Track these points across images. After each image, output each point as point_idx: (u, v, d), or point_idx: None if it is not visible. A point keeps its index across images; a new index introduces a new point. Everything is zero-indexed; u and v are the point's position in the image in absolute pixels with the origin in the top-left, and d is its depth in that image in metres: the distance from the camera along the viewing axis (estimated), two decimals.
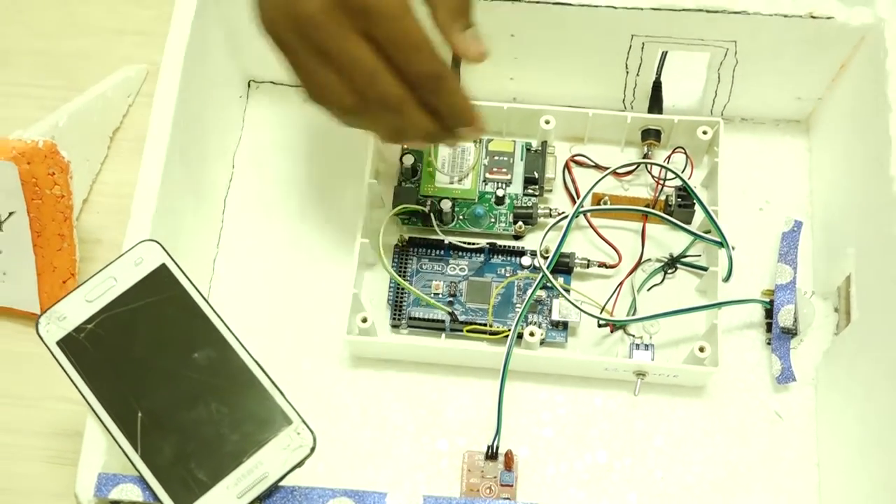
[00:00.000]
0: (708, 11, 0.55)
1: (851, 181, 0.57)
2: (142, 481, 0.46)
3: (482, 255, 0.61)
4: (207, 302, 0.48)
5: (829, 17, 0.55)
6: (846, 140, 0.59)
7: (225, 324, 0.48)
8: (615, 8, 0.55)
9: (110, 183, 0.66)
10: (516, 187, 0.62)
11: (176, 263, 0.49)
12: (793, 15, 0.55)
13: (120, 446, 0.46)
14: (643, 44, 0.58)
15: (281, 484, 0.45)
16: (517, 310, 0.59)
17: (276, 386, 0.47)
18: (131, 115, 0.68)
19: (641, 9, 0.55)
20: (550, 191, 0.62)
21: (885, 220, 0.50)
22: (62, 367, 0.47)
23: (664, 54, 0.59)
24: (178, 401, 0.46)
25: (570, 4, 0.56)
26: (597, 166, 0.63)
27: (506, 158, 0.62)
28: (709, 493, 0.56)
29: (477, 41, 0.50)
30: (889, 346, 0.49)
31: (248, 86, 0.66)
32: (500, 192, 0.61)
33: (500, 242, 0.61)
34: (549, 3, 0.56)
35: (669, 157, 0.62)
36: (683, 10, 0.55)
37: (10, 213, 0.59)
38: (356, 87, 0.46)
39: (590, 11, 0.56)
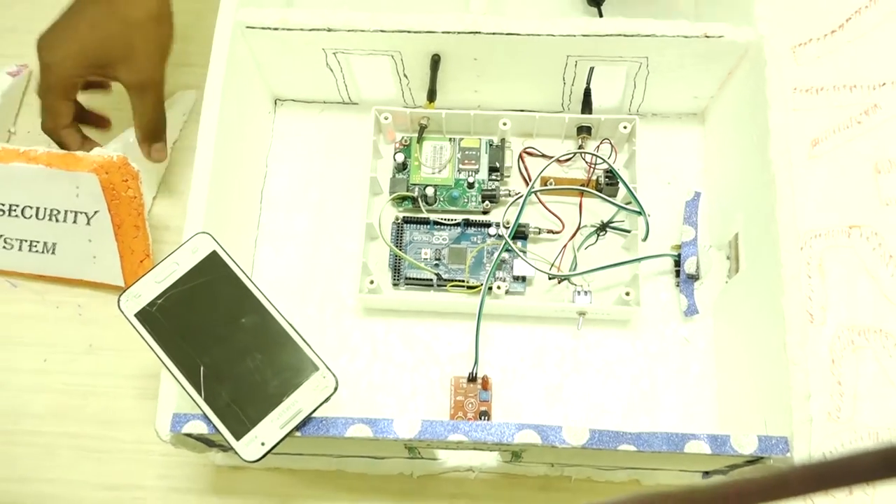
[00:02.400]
0: (626, 35, 0.52)
1: (737, 161, 0.55)
2: (206, 419, 0.44)
3: (459, 228, 0.58)
4: (250, 279, 0.46)
5: (720, 36, 0.52)
6: (733, 129, 0.56)
7: (264, 295, 0.45)
8: (554, 36, 0.52)
9: (173, 182, 0.64)
10: (483, 174, 0.59)
11: (224, 250, 0.46)
12: (691, 35, 0.51)
13: (188, 393, 0.44)
14: (576, 62, 0.55)
15: (312, 416, 0.44)
16: (487, 269, 0.56)
17: (305, 342, 0.45)
18: (186, 129, 0.65)
19: (574, 35, 0.52)
20: (509, 176, 0.59)
21: (765, 193, 0.48)
22: (139, 334, 0.45)
23: (591, 69, 0.56)
24: (231, 356, 0.44)
25: (519, 35, 0.52)
26: (543, 156, 0.59)
27: (474, 152, 0.59)
28: (637, 400, 0.55)
29: (160, 152, 0.58)
30: (765, 286, 0.47)
31: (275, 103, 0.63)
32: (470, 179, 0.59)
33: (472, 217, 0.58)
34: (503, 34, 0.52)
35: (598, 146, 0.59)
36: (607, 34, 0.52)
37: (96, 212, 0.56)
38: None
39: (536, 39, 0.52)
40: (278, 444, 0.43)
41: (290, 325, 0.45)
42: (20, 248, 0.58)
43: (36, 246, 0.58)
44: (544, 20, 0.52)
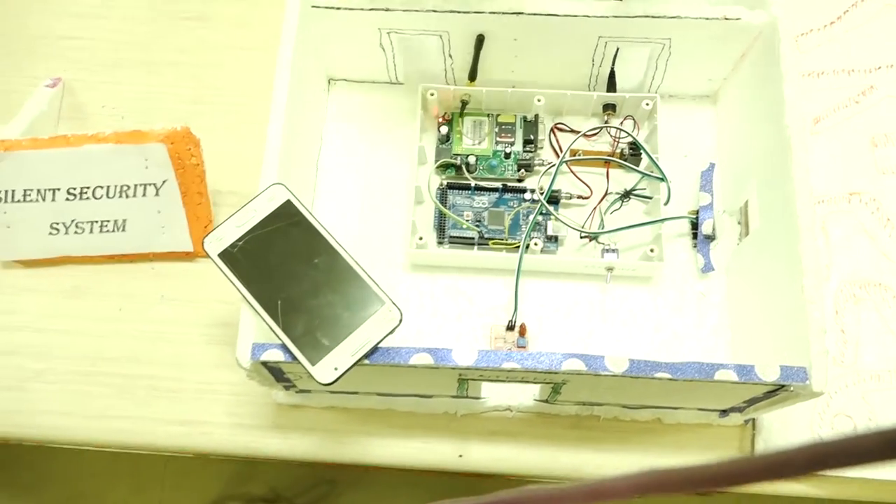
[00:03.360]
0: (652, 17, 0.54)
1: (750, 134, 0.56)
2: (283, 347, 0.45)
3: (497, 193, 0.59)
4: (321, 224, 0.47)
5: (737, 18, 0.53)
6: (745, 106, 0.58)
7: (335, 238, 0.47)
8: (588, 17, 0.54)
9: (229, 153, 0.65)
10: (518, 147, 0.61)
11: (297, 198, 0.47)
12: (712, 17, 0.53)
13: (266, 323, 0.45)
14: (606, 43, 0.56)
15: (380, 346, 0.45)
16: (523, 229, 0.58)
17: (372, 279, 0.46)
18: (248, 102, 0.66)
19: (606, 17, 0.54)
20: (542, 148, 0.60)
21: (781, 156, 0.49)
22: (223, 272, 0.46)
23: (617, 49, 0.57)
24: (305, 292, 0.45)
25: (557, 15, 0.54)
26: (572, 131, 0.61)
27: (510, 127, 0.61)
28: (658, 349, 0.56)
29: None
30: (782, 237, 0.49)
31: (329, 82, 0.64)
32: (507, 150, 0.60)
33: (509, 184, 0.59)
34: (543, 14, 0.54)
35: (622, 122, 0.61)
36: (636, 16, 0.54)
37: (164, 181, 0.57)
38: None
39: (572, 20, 0.54)
40: (350, 369, 0.44)
41: (358, 264, 0.46)
42: (91, 231, 0.58)
43: (107, 225, 0.58)
44: (580, 3, 0.54)
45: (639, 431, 0.56)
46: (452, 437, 0.56)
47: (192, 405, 0.57)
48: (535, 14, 0.54)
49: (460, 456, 0.55)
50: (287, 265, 0.46)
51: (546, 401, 0.54)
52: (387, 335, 0.45)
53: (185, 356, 0.58)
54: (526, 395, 0.55)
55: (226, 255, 0.46)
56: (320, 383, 0.44)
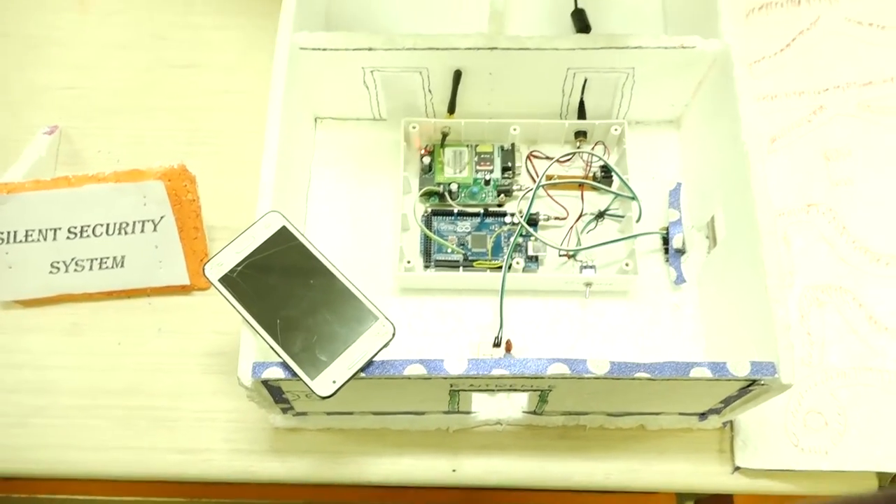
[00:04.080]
0: (617, 48, 0.58)
1: (711, 153, 0.60)
2: (283, 365, 0.47)
3: (479, 218, 0.62)
4: (316, 247, 0.50)
5: (693, 47, 0.58)
6: (705, 128, 0.62)
7: (329, 260, 0.49)
8: (558, 49, 0.58)
9: (222, 190, 0.67)
10: (497, 173, 0.64)
11: (292, 224, 0.50)
12: (670, 47, 0.58)
13: (267, 342, 0.47)
14: (574, 73, 0.60)
15: (374, 359, 0.47)
16: (505, 251, 0.61)
17: (365, 297, 0.48)
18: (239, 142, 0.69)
19: (574, 49, 0.58)
20: (519, 175, 0.64)
21: (740, 169, 0.53)
22: (223, 296, 0.48)
23: (585, 80, 0.61)
24: (303, 311, 0.48)
25: (529, 49, 0.58)
26: (547, 157, 0.64)
27: (489, 155, 0.64)
28: (636, 358, 0.58)
29: None
30: (745, 245, 0.52)
31: (315, 121, 0.68)
32: (487, 178, 0.64)
33: (490, 209, 0.62)
34: (516, 49, 0.58)
35: (593, 147, 0.65)
36: (601, 48, 0.58)
37: (162, 217, 0.60)
38: None
39: (542, 53, 0.58)
40: (347, 381, 0.46)
41: (352, 283, 0.49)
42: (90, 268, 0.60)
43: (106, 262, 0.60)
44: (549, 37, 0.58)
45: (624, 439, 0.58)
46: (446, 453, 0.58)
47: (190, 433, 0.58)
48: (508, 49, 0.58)
49: (454, 470, 0.57)
50: (284, 287, 0.49)
51: (534, 412, 0.56)
52: (381, 348, 0.47)
53: (182, 386, 0.60)
54: (514, 409, 0.57)
55: (226, 280, 0.49)
56: (319, 396, 0.46)
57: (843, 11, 0.65)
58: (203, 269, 0.49)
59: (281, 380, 0.48)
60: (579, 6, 0.71)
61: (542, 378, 0.47)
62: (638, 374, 0.47)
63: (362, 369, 0.47)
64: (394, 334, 0.47)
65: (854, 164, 0.61)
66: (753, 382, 0.48)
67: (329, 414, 0.57)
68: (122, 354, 0.61)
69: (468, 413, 0.57)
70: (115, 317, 0.62)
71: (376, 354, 0.47)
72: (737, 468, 0.56)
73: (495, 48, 0.58)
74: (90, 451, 0.58)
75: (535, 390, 0.51)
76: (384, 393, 0.51)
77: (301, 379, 0.46)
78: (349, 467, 0.57)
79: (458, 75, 0.61)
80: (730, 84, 0.56)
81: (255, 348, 0.48)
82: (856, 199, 0.59)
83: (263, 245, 0.50)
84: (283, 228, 0.50)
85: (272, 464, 0.57)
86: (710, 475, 0.57)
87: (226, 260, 0.49)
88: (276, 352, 0.47)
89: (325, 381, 0.46)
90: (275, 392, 0.50)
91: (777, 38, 0.67)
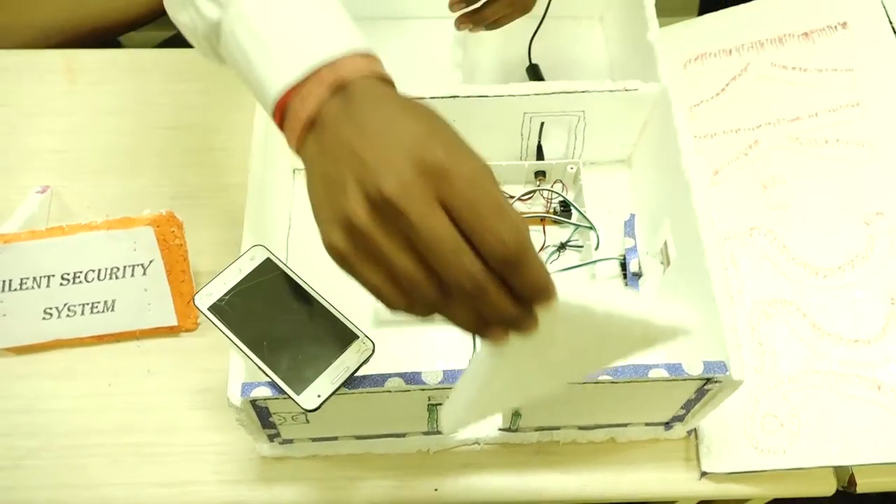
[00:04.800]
0: (567, 93, 0.65)
1: (658, 185, 0.66)
2: (270, 384, 0.50)
3: None
4: (298, 276, 0.53)
5: (635, 89, 0.65)
6: (652, 163, 0.68)
7: (311, 287, 0.53)
8: (514, 96, 0.64)
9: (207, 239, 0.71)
10: None
11: (276, 256, 0.54)
12: (615, 90, 0.64)
13: (255, 363, 0.50)
14: (531, 118, 0.67)
15: (356, 374, 0.50)
16: None
17: (346, 318, 0.52)
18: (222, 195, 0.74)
19: (529, 95, 0.64)
20: None
21: (685, 196, 0.59)
22: (213, 323, 0.51)
23: (542, 124, 0.68)
24: (288, 333, 0.51)
25: (487, 96, 0.64)
26: (510, 196, 0.70)
27: None
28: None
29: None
30: (693, 261, 0.57)
31: (293, 172, 0.72)
32: None
33: None
34: (475, 96, 0.64)
35: (553, 185, 0.71)
36: (553, 93, 0.64)
37: (151, 261, 0.63)
38: (438, 270, 0.32)
39: (500, 100, 0.64)
40: (332, 395, 0.49)
41: (333, 306, 0.52)
42: (82, 313, 0.63)
43: (97, 307, 0.64)
44: (506, 85, 0.64)
45: (595, 452, 0.61)
46: (427, 474, 0.60)
47: (179, 467, 0.60)
48: (468, 96, 0.64)
49: (436, 490, 0.60)
50: (270, 312, 0.52)
51: (509, 429, 0.59)
52: (362, 363, 0.50)
53: (171, 422, 0.62)
54: (491, 427, 0.61)
55: (215, 308, 0.52)
56: (305, 409, 0.49)
57: (769, 58, 0.73)
58: (193, 300, 0.52)
59: (269, 398, 0.51)
60: (533, 62, 0.78)
61: None
62: (601, 378, 0.51)
63: (345, 383, 0.50)
64: (373, 350, 0.51)
65: (788, 189, 0.67)
66: (708, 381, 0.52)
67: (314, 441, 0.59)
68: (112, 395, 0.63)
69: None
70: (105, 360, 0.65)
71: (358, 369, 0.50)
72: (703, 474, 0.60)
73: (457, 96, 0.64)
74: (82, 489, 0.60)
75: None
76: (366, 411, 0.54)
77: (288, 395, 0.49)
78: (335, 492, 0.60)
79: None
80: (669, 121, 0.62)
81: (244, 370, 0.52)
82: (792, 221, 0.65)
83: (249, 276, 0.53)
84: (268, 260, 0.54)
85: (260, 492, 0.60)
86: (678, 482, 0.60)
87: (214, 290, 0.53)
88: (263, 371, 0.50)
89: (310, 396, 0.49)
90: (262, 414, 0.53)
91: (713, 84, 0.74)
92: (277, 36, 0.39)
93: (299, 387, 0.50)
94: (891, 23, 0.69)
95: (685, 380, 0.51)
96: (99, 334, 0.64)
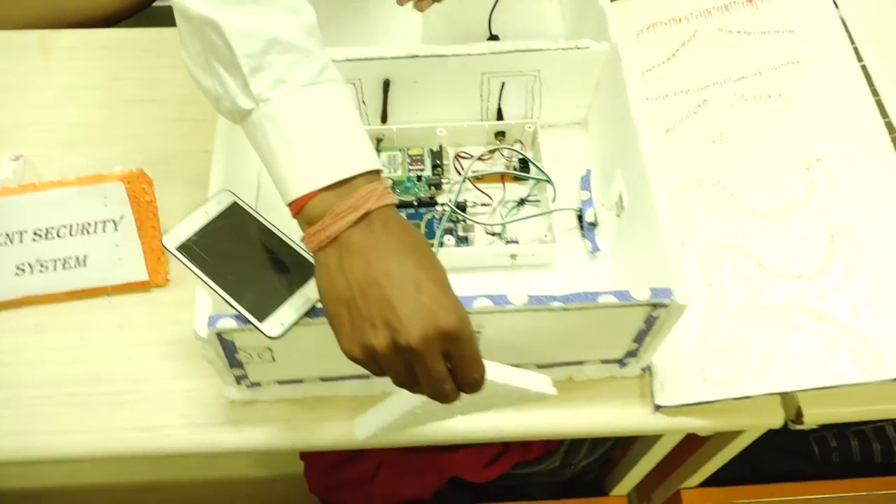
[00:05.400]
0: (521, 51, 0.68)
1: (610, 140, 0.69)
2: (236, 316, 0.52)
3: (413, 209, 0.70)
4: (264, 217, 0.56)
5: (587, 48, 0.68)
6: (605, 120, 0.71)
7: (276, 227, 0.55)
8: (471, 55, 0.67)
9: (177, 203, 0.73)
10: (427, 171, 0.72)
11: (242, 199, 0.56)
12: (567, 48, 0.67)
13: (221, 297, 0.52)
14: (489, 78, 0.70)
15: (317, 306, 0.52)
16: (437, 232, 0.68)
17: (308, 253, 0.54)
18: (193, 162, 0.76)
19: (485, 54, 0.67)
20: (448, 171, 0.72)
21: (633, 142, 0.62)
22: (181, 261, 0.53)
23: (503, 84, 0.71)
24: (252, 268, 0.53)
25: (445, 56, 0.67)
26: (472, 157, 0.73)
27: (420, 157, 0.72)
28: None
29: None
30: (643, 207, 0.60)
31: None
32: (419, 174, 0.72)
33: (422, 200, 0.69)
34: (434, 56, 0.67)
35: (513, 144, 0.74)
36: (508, 52, 0.67)
37: (121, 217, 0.66)
38: (426, 386, 0.46)
39: (457, 59, 0.67)
40: (294, 323, 0.51)
41: (297, 244, 0.55)
42: (55, 268, 0.65)
43: (69, 262, 0.66)
44: (463, 45, 0.67)
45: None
46: None
47: (150, 412, 0.62)
48: (428, 56, 0.67)
49: None
50: (236, 250, 0.54)
51: None
52: None
53: (142, 371, 0.64)
54: None
55: (183, 248, 0.54)
56: (268, 336, 0.51)
57: (716, 24, 0.77)
58: (161, 240, 0.55)
59: (234, 330, 0.53)
60: (493, 33, 0.81)
61: (469, 312, 0.53)
62: (552, 304, 0.53)
63: (307, 313, 0.52)
64: None
65: (735, 143, 0.70)
66: (655, 307, 0.55)
67: (281, 383, 0.61)
68: (84, 348, 0.65)
69: None
70: (76, 316, 0.66)
71: (318, 300, 0.52)
72: (657, 408, 0.62)
73: (417, 56, 0.67)
74: (54, 435, 0.61)
75: None
76: (329, 346, 0.56)
77: (252, 323, 0.51)
78: (302, 433, 0.62)
79: (386, 84, 0.70)
80: (619, 76, 0.65)
81: (211, 306, 0.54)
82: (739, 171, 0.68)
83: (216, 218, 0.55)
84: (234, 203, 0.56)
85: (229, 435, 0.61)
86: (633, 416, 0.63)
87: (181, 231, 0.55)
88: (229, 303, 0.52)
89: (273, 323, 0.51)
90: (228, 349, 0.55)
91: (664, 50, 0.78)
92: (304, 144, 0.46)
93: (262, 316, 0.52)
94: None
95: (633, 305, 0.54)
96: (71, 290, 0.66)
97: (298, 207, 0.47)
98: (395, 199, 0.47)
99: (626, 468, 0.96)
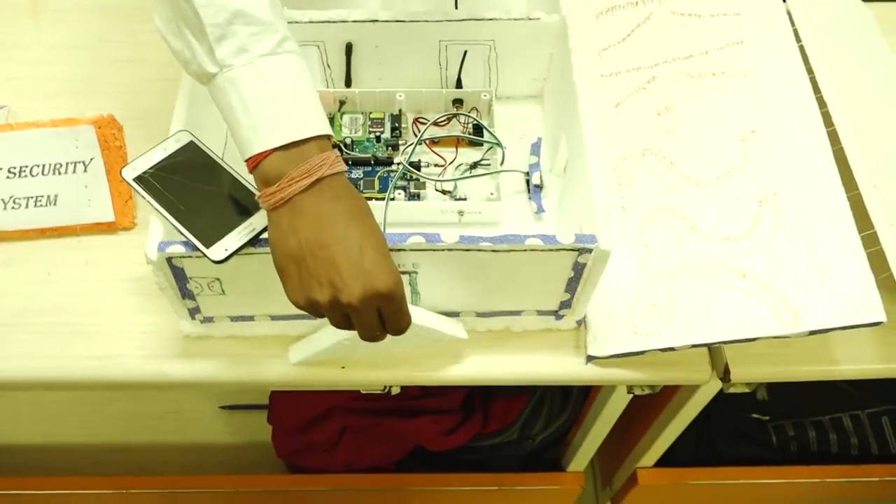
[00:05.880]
0: (476, 20, 0.71)
1: (558, 111, 0.73)
2: (185, 243, 0.56)
3: (370, 166, 0.73)
4: (219, 157, 0.59)
5: (538, 19, 0.71)
6: (556, 93, 0.75)
7: (229, 165, 0.59)
8: (428, 21, 0.71)
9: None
10: (387, 134, 0.76)
11: (199, 140, 0.60)
12: (520, 18, 0.71)
13: (171, 224, 0.55)
14: (447, 46, 0.73)
15: (262, 237, 0.56)
16: (389, 187, 0.72)
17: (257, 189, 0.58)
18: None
19: (441, 21, 0.71)
20: (405, 133, 0.75)
21: (573, 113, 0.65)
22: (137, 192, 0.57)
23: (465, 53, 0.75)
24: (203, 200, 0.56)
25: (404, 21, 0.71)
26: (428, 121, 0.76)
27: (380, 121, 0.76)
28: None
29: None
30: (577, 173, 0.64)
31: None
32: (378, 135, 0.75)
33: (379, 158, 0.73)
34: (393, 21, 0.71)
35: (469, 111, 0.77)
36: (462, 20, 0.71)
37: (91, 159, 0.69)
38: (360, 331, 0.53)
39: (415, 25, 0.70)
40: (238, 250, 0.55)
41: (249, 182, 0.58)
42: (26, 206, 0.69)
43: (41, 200, 0.70)
44: (421, 11, 0.71)
45: (493, 339, 0.67)
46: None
47: (108, 343, 0.65)
48: (387, 21, 0.71)
49: (343, 367, 0.65)
50: (190, 184, 0.58)
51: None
52: (267, 226, 0.56)
53: (103, 306, 0.67)
54: None
55: (140, 180, 0.58)
56: (213, 260, 0.54)
57: (669, 7, 0.80)
58: (120, 172, 0.58)
59: (183, 255, 0.56)
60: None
61: (404, 250, 0.57)
62: (482, 244, 0.57)
63: (251, 242, 0.56)
64: None
65: (678, 116, 0.73)
66: (580, 252, 0.58)
67: (233, 320, 0.65)
68: (50, 282, 0.68)
69: None
70: (46, 253, 0.70)
71: (264, 231, 0.56)
72: (590, 358, 0.65)
73: (377, 20, 0.71)
74: (17, 360, 0.64)
75: (404, 272, 0.60)
76: (275, 284, 0.60)
77: (198, 248, 0.55)
78: (251, 368, 0.65)
79: (349, 48, 0.74)
80: (565, 44, 0.69)
81: (163, 234, 0.57)
82: (680, 142, 0.72)
83: (173, 154, 0.59)
84: (191, 142, 0.60)
85: (181, 366, 0.65)
86: (567, 365, 0.66)
87: (140, 165, 0.58)
88: (179, 230, 0.56)
89: (218, 249, 0.55)
90: (179, 277, 0.59)
91: (620, 31, 0.81)
92: (261, 107, 0.50)
93: (209, 243, 0.55)
94: None
95: (559, 249, 0.57)
96: (41, 227, 0.69)
97: (254, 164, 0.51)
98: (344, 167, 0.52)
99: (579, 441, 0.99)
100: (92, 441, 1.16)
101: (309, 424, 1.03)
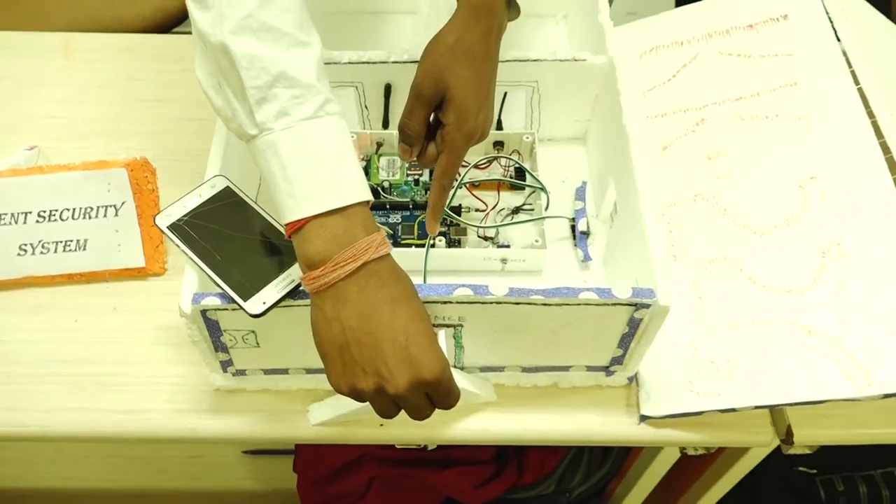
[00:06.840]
0: (520, 61, 0.69)
1: (605, 151, 0.70)
2: (221, 295, 0.53)
3: (408, 210, 0.71)
4: (254, 202, 0.57)
5: (584, 59, 0.69)
6: (602, 135, 0.72)
7: (266, 212, 0.56)
8: None
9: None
10: (426, 176, 0.73)
11: (235, 185, 0.58)
12: (565, 59, 0.69)
13: (207, 275, 0.53)
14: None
15: (302, 289, 0.53)
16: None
17: None
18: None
19: None
20: None
21: (624, 150, 0.63)
22: (171, 240, 0.54)
23: (505, 95, 0.73)
24: (240, 249, 0.54)
25: None
26: (468, 164, 0.74)
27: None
28: None
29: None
30: (628, 223, 0.61)
31: None
32: (416, 178, 0.73)
33: (418, 202, 0.70)
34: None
35: (511, 154, 0.74)
36: (507, 61, 0.69)
37: (123, 203, 0.67)
38: (410, 415, 0.51)
39: None
40: (276, 303, 0.52)
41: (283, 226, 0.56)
42: (55, 251, 0.67)
43: (70, 245, 0.67)
44: None
45: (539, 396, 0.63)
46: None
47: (135, 396, 0.63)
48: (405, 62, 0.68)
49: (381, 425, 0.62)
50: (225, 232, 0.55)
51: (454, 366, 0.62)
52: None
53: (131, 356, 0.65)
54: None
55: (174, 227, 0.55)
56: (250, 314, 0.52)
57: (717, 47, 0.78)
58: (154, 219, 0.56)
59: (218, 308, 0.53)
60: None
61: (450, 302, 0.54)
62: (533, 297, 0.54)
63: (290, 294, 0.53)
64: None
65: (731, 160, 0.70)
66: (637, 308, 0.54)
67: (266, 373, 0.61)
68: (77, 330, 0.66)
69: None
70: (74, 299, 0.68)
71: (301, 282, 0.53)
72: (643, 418, 0.61)
73: (416, 61, 0.68)
74: (41, 413, 0.62)
75: (448, 325, 0.57)
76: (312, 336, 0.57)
77: (235, 301, 0.52)
78: (284, 424, 0.62)
79: (388, 89, 0.71)
80: (614, 86, 0.67)
81: (197, 284, 0.55)
82: (733, 188, 0.69)
83: (208, 200, 0.57)
84: (227, 188, 0.58)
85: (211, 421, 0.62)
86: (618, 426, 0.62)
87: (174, 212, 0.56)
88: (214, 281, 0.53)
89: (256, 302, 0.52)
90: (213, 329, 0.56)
91: (665, 71, 0.79)
92: (300, 174, 0.48)
93: (246, 295, 0.52)
94: (826, 12, 0.74)
95: (615, 304, 0.54)
96: (70, 272, 0.67)
97: (293, 230, 0.49)
98: (390, 248, 0.50)
99: (620, 496, 0.95)
100: (111, 486, 1.14)
101: (336, 473, 0.99)
